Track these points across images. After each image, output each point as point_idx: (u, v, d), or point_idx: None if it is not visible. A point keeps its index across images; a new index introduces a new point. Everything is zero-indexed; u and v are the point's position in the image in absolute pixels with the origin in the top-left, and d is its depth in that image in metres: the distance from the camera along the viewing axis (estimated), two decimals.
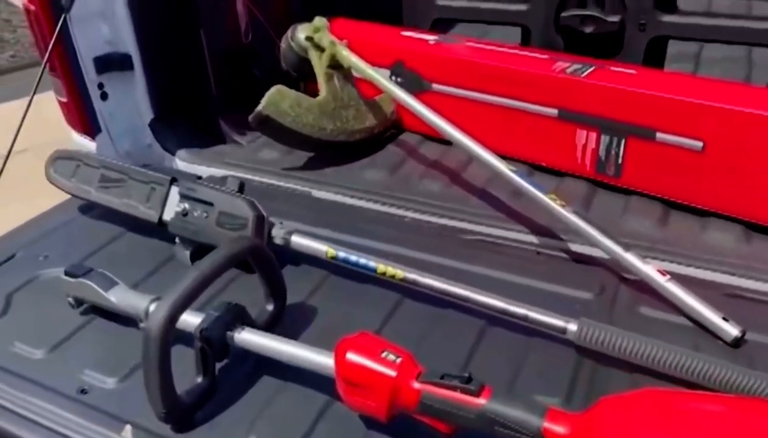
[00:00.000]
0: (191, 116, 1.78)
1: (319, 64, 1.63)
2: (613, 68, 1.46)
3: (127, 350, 1.05)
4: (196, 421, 0.93)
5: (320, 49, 1.65)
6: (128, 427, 0.91)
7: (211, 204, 1.22)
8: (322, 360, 0.89)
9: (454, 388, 0.79)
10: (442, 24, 1.95)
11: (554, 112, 1.47)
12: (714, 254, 1.22)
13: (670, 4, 1.64)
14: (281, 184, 1.58)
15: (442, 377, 0.80)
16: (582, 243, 1.26)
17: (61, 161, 1.41)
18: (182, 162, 1.71)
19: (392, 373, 0.82)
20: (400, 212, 1.45)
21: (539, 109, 1.49)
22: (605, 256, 1.21)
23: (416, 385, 0.81)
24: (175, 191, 1.28)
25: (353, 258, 1.16)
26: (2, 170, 1.42)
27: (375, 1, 1.94)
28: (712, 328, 1.03)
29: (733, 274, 1.17)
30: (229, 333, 0.96)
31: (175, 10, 1.65)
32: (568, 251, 1.28)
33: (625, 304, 1.13)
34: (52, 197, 1.45)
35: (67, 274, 1.11)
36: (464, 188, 1.50)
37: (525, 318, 1.03)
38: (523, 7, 1.76)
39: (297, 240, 1.21)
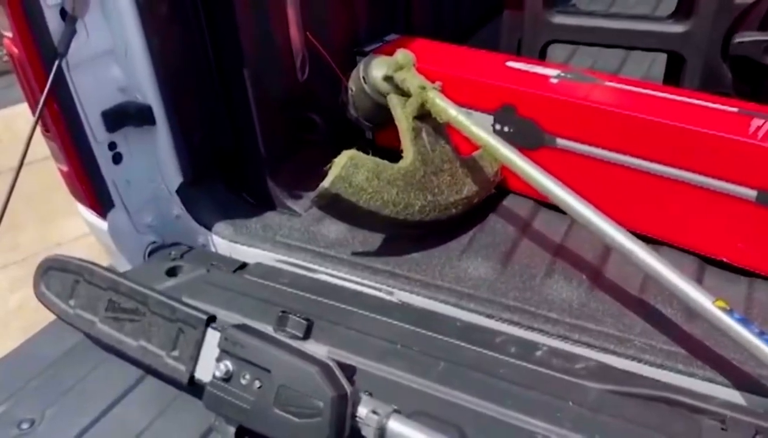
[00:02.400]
0: (231, 179, 1.36)
1: (403, 115, 1.20)
2: None
3: None
4: None
5: (404, 93, 1.21)
6: None
7: (267, 370, 0.80)
8: None
9: None
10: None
11: (752, 193, 1.02)
12: None
13: None
14: (351, 277, 1.17)
15: None
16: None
17: (55, 274, 1.01)
18: (221, 239, 1.31)
19: None
20: (528, 334, 1.02)
21: (725, 188, 1.04)
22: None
23: None
24: (213, 337, 0.86)
25: None
26: None
27: (464, 19, 1.48)
28: None
29: None
30: None
31: (209, 42, 1.23)
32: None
33: None
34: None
35: None
36: (614, 294, 1.07)
37: None
38: (679, 27, 1.28)
39: (399, 428, 0.78)
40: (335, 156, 1.12)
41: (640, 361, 0.95)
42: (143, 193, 1.30)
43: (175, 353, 0.89)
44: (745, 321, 0.83)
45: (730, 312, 0.85)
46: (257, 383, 0.81)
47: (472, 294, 1.10)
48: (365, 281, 1.17)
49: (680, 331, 0.98)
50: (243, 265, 1.26)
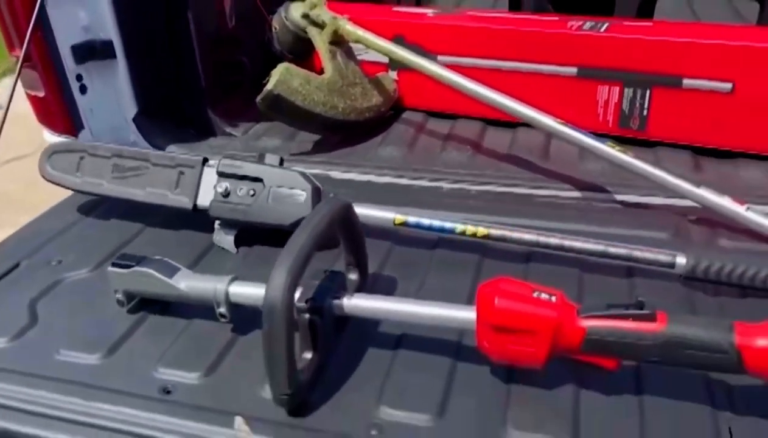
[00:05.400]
0: (178, 109, 1.63)
1: (321, 41, 1.55)
2: (627, 23, 1.47)
3: (201, 343, 0.93)
4: (313, 403, 0.82)
5: (319, 25, 1.56)
6: (239, 419, 0.79)
7: (260, 180, 1.10)
8: (460, 313, 0.81)
9: (626, 317, 0.73)
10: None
11: (573, 70, 1.46)
12: (754, 189, 1.24)
13: None
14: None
15: (611, 308, 0.74)
16: (634, 193, 1.26)
17: (59, 155, 1.24)
18: None
19: (552, 312, 0.75)
20: (435, 184, 1.38)
21: (557, 70, 1.48)
22: (663, 202, 1.21)
23: (581, 321, 0.75)
24: (209, 172, 1.15)
25: (426, 221, 1.08)
26: None
27: None
28: None
29: None
30: (336, 301, 0.86)
31: None
32: (620, 203, 1.26)
33: (703, 239, 1.12)
34: None
35: (116, 265, 0.96)
36: (490, 155, 1.46)
37: (628, 257, 0.99)
38: None
39: (360, 210, 1.11)
40: (259, 91, 1.43)
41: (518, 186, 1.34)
42: (104, 121, 1.53)
43: (178, 190, 1.16)
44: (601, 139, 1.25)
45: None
46: (252, 192, 1.11)
47: (386, 167, 1.45)
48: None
49: (538, 166, 1.39)
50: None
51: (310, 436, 0.78)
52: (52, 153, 1.25)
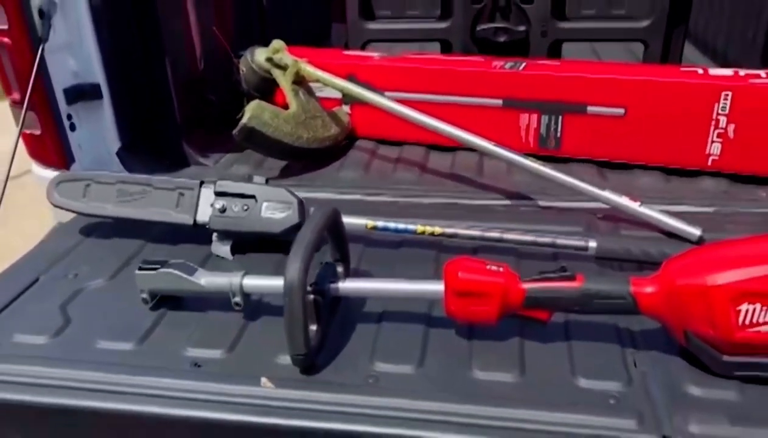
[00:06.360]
0: (156, 143, 1.82)
1: (285, 81, 1.79)
2: (540, 62, 1.79)
3: (218, 328, 1.13)
4: (319, 364, 1.04)
5: (282, 68, 1.80)
6: (264, 378, 1.00)
7: (252, 197, 1.32)
8: (432, 286, 1.05)
9: (555, 279, 1.00)
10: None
11: (499, 102, 1.76)
12: (646, 191, 1.56)
13: (563, 13, 2.03)
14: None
15: (542, 273, 1.01)
16: (552, 198, 1.55)
17: (66, 184, 1.42)
18: None
19: (501, 279, 1.01)
20: (392, 199, 1.63)
21: (486, 102, 1.78)
22: (576, 205, 1.51)
23: (522, 285, 1.01)
24: (206, 192, 1.35)
25: (392, 225, 1.33)
26: None
27: (307, 28, 2.14)
28: (681, 234, 1.34)
29: (662, 203, 1.49)
30: (333, 285, 1.08)
31: (141, 40, 1.71)
32: (543, 207, 1.55)
33: (608, 229, 1.41)
34: None
35: (142, 268, 1.15)
36: (435, 174, 1.73)
37: (552, 245, 1.27)
38: (444, 24, 2.06)
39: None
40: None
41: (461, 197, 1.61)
42: (92, 155, 1.70)
43: (179, 209, 1.36)
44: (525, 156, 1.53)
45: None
46: (245, 207, 1.32)
47: (347, 186, 1.69)
48: None
49: (475, 181, 1.66)
50: None
51: (321, 386, 0.99)
52: (59, 182, 1.42)
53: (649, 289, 0.98)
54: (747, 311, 0.91)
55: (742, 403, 0.93)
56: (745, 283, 0.91)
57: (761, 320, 0.91)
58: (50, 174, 1.65)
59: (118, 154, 1.75)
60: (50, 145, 1.60)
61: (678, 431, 0.89)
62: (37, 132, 1.59)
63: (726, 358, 0.95)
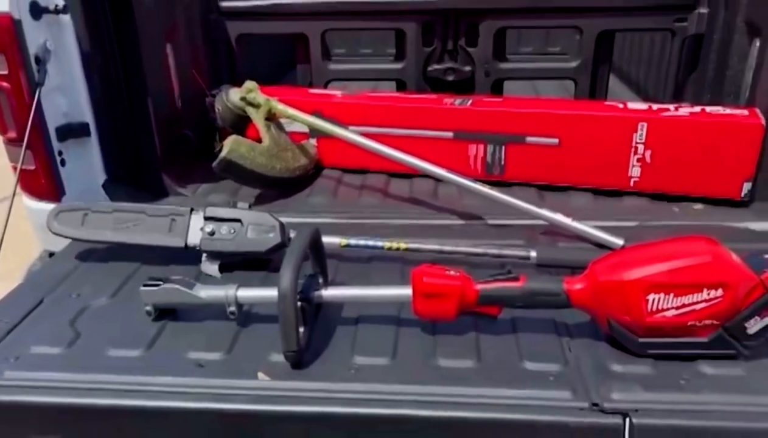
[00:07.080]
0: (139, 175, 1.98)
1: (258, 117, 1.98)
2: (485, 99, 2.03)
3: (216, 335, 1.30)
4: (307, 360, 1.22)
5: (255, 106, 1.99)
6: (260, 373, 1.17)
7: (239, 220, 1.50)
8: (401, 291, 1.25)
9: (503, 280, 1.21)
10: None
11: (450, 134, 1.99)
12: (578, 209, 1.80)
13: (504, 56, 2.30)
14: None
15: (492, 276, 1.22)
16: (499, 216, 1.77)
17: (65, 213, 1.56)
18: None
19: (458, 282, 1.22)
20: (358, 221, 1.83)
21: (438, 134, 2.01)
22: (519, 222, 1.73)
23: (476, 285, 1.22)
24: (196, 218, 1.52)
25: (362, 242, 1.53)
26: None
27: (272, 70, 2.34)
28: (607, 244, 1.58)
29: (592, 219, 1.73)
30: (317, 292, 1.27)
31: (127, 83, 1.88)
32: (492, 225, 1.78)
33: (547, 241, 1.64)
34: None
35: (147, 285, 1.31)
36: (396, 199, 1.95)
37: (499, 255, 1.49)
38: (399, 66, 2.30)
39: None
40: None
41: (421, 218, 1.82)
42: (80, 187, 1.84)
43: (171, 234, 1.52)
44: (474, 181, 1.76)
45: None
46: (233, 230, 1.50)
47: (318, 211, 1.88)
48: None
49: (429, 203, 1.88)
50: None
51: (310, 377, 1.17)
52: (58, 212, 1.57)
53: (578, 286, 1.20)
54: (654, 300, 1.14)
55: (654, 375, 1.16)
56: (652, 277, 1.15)
57: (665, 306, 1.14)
58: (42, 206, 1.80)
59: (104, 186, 1.89)
60: (43, 179, 1.74)
61: (604, 399, 1.10)
62: (32, 167, 1.72)
63: (641, 339, 1.18)
